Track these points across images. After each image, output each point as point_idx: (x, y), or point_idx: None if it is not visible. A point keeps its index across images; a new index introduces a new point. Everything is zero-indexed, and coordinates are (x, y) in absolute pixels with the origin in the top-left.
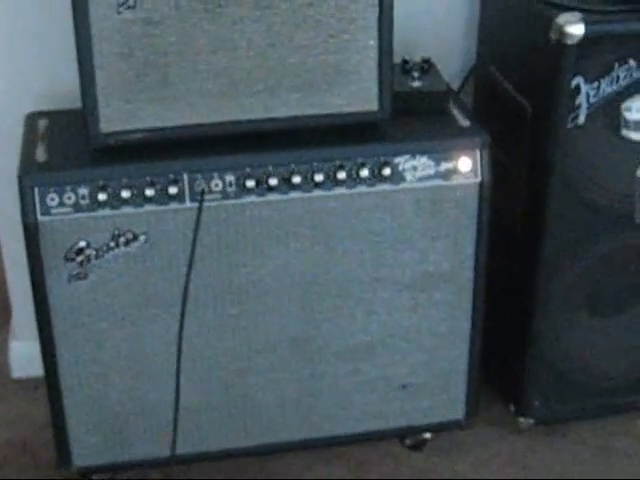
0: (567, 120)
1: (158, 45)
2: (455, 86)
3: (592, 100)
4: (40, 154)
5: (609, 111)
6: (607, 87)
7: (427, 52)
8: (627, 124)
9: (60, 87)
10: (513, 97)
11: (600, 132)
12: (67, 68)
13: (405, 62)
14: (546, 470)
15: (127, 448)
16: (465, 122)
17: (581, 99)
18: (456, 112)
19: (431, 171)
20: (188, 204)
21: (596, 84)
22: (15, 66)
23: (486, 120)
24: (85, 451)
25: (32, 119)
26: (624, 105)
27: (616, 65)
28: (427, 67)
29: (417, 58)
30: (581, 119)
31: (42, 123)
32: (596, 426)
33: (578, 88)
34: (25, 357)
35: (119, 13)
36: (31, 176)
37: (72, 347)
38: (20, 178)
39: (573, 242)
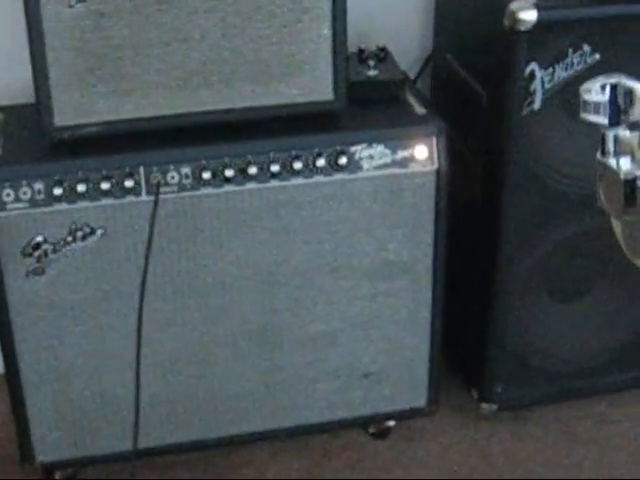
0: (522, 106)
1: (111, 38)
2: (412, 75)
3: (547, 86)
4: None
5: (565, 96)
6: (562, 72)
7: (383, 41)
8: (586, 107)
9: (14, 82)
10: (469, 84)
11: (556, 117)
12: (21, 63)
13: (361, 51)
14: (509, 456)
15: (90, 443)
16: (421, 110)
17: (536, 85)
18: (412, 100)
19: (388, 159)
20: (144, 197)
21: (551, 70)
22: None
23: (443, 108)
24: (48, 447)
25: None
26: (583, 87)
27: (570, 50)
28: (383, 56)
29: (373, 47)
30: (536, 105)
31: None
32: (559, 411)
33: (532, 74)
34: None
35: (70, 6)
36: None
37: (32, 342)
38: None
39: (532, 227)
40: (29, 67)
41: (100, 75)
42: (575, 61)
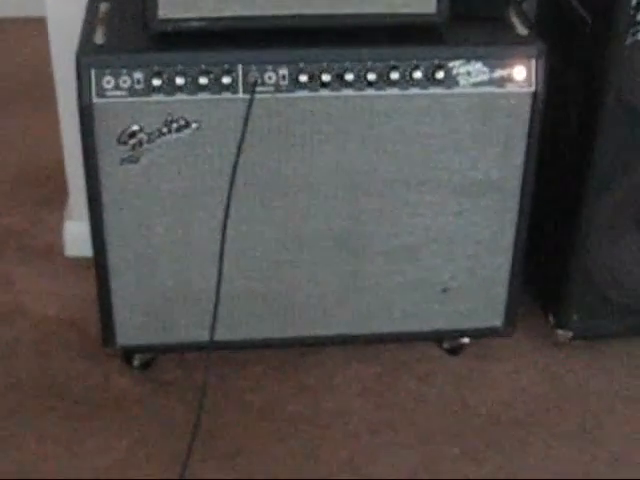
0: (627, 35)
1: None
2: None
3: None
4: (99, 37)
5: None
6: None
7: None
8: None
9: None
10: (575, 9)
11: None
12: None
13: None
14: (580, 384)
15: (170, 330)
16: (523, 30)
17: None
18: (515, 20)
19: (485, 77)
20: (240, 95)
21: None
22: None
23: (546, 31)
24: (129, 331)
25: (94, 3)
26: None
27: None
28: None
29: None
30: None
31: (103, 7)
32: (634, 345)
33: (639, 3)
34: (79, 237)
35: None
36: (88, 57)
37: (121, 228)
38: (78, 59)
39: (625, 158)
40: None
41: None
42: None
